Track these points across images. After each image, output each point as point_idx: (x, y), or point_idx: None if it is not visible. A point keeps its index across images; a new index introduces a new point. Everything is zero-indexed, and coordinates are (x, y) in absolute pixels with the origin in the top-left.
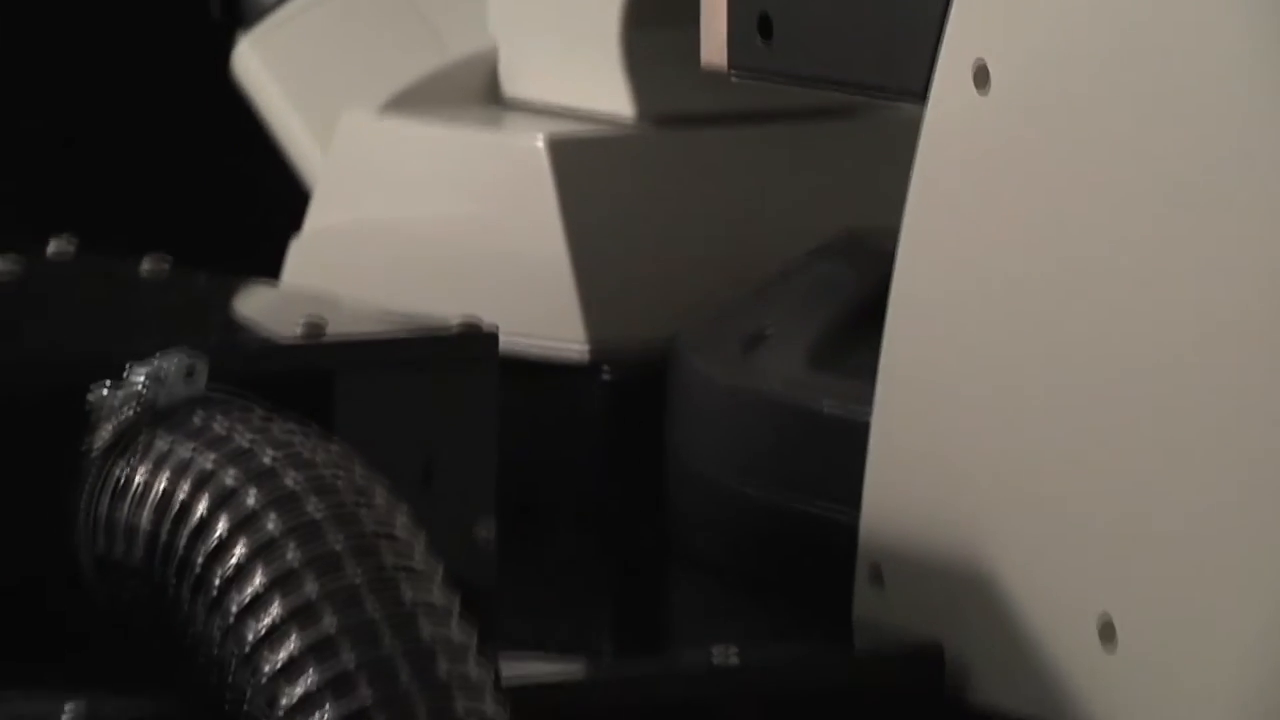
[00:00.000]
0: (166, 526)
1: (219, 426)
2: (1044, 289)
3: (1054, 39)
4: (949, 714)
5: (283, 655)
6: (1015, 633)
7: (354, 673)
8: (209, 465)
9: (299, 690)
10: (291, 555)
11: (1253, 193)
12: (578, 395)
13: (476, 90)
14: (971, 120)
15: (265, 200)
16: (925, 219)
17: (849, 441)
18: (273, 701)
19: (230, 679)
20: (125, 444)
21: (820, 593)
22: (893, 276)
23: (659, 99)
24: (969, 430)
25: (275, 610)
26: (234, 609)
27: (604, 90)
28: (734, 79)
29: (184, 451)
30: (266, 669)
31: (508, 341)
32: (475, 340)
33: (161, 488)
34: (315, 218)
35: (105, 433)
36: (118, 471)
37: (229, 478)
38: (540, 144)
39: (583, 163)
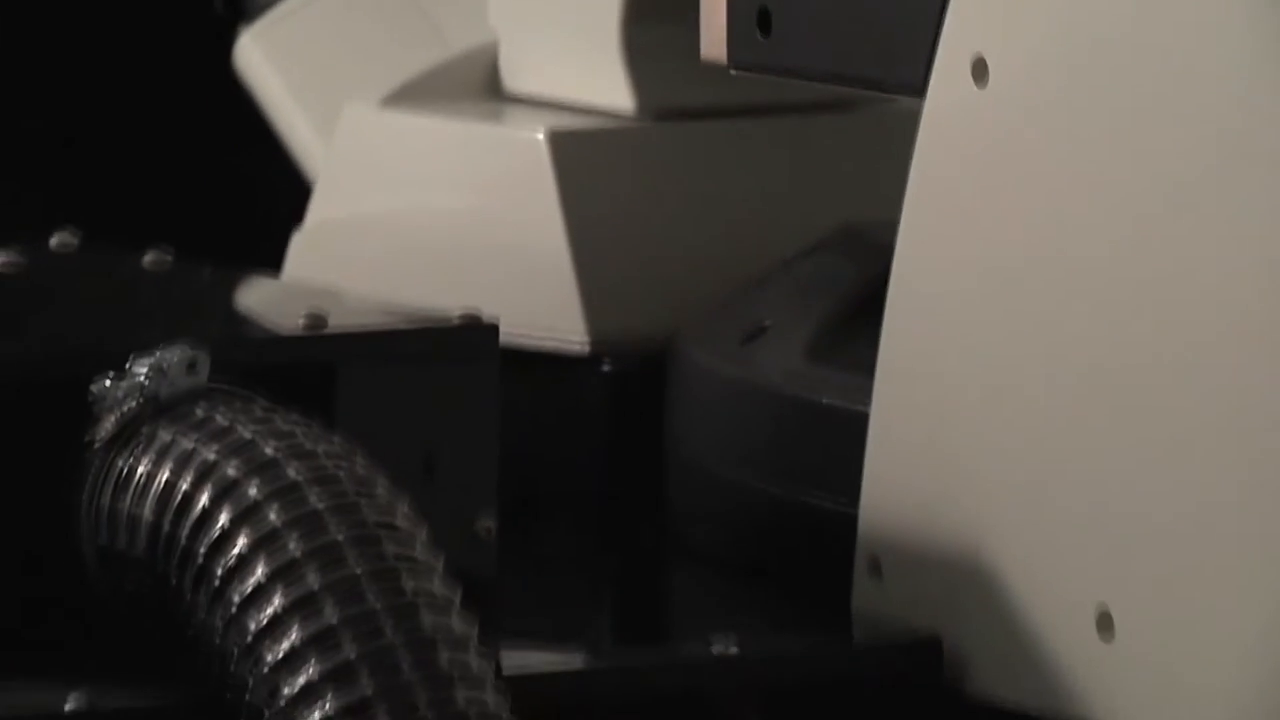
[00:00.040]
0: (169, 518)
1: (221, 419)
2: (1042, 282)
3: (1052, 33)
4: (947, 705)
5: (284, 646)
6: (1013, 624)
7: (355, 663)
8: (211, 457)
9: (301, 681)
10: (293, 546)
11: (1251, 186)
12: (578, 388)
13: (477, 84)
14: (970, 114)
15: (267, 194)
16: (924, 212)
17: (848, 434)
18: (274, 692)
19: (232, 670)
20: (128, 436)
21: (819, 584)
22: (892, 270)
23: (659, 93)
24: (967, 423)
25: (277, 601)
26: (236, 600)
27: (604, 84)
28: (733, 73)
29: (186, 443)
30: (268, 659)
31: (508, 334)
32: (476, 333)
33: (164, 479)
34: (317, 211)
35: (108, 425)
36: (120, 463)
37: (231, 469)
38: (541, 137)
39: (583, 156)
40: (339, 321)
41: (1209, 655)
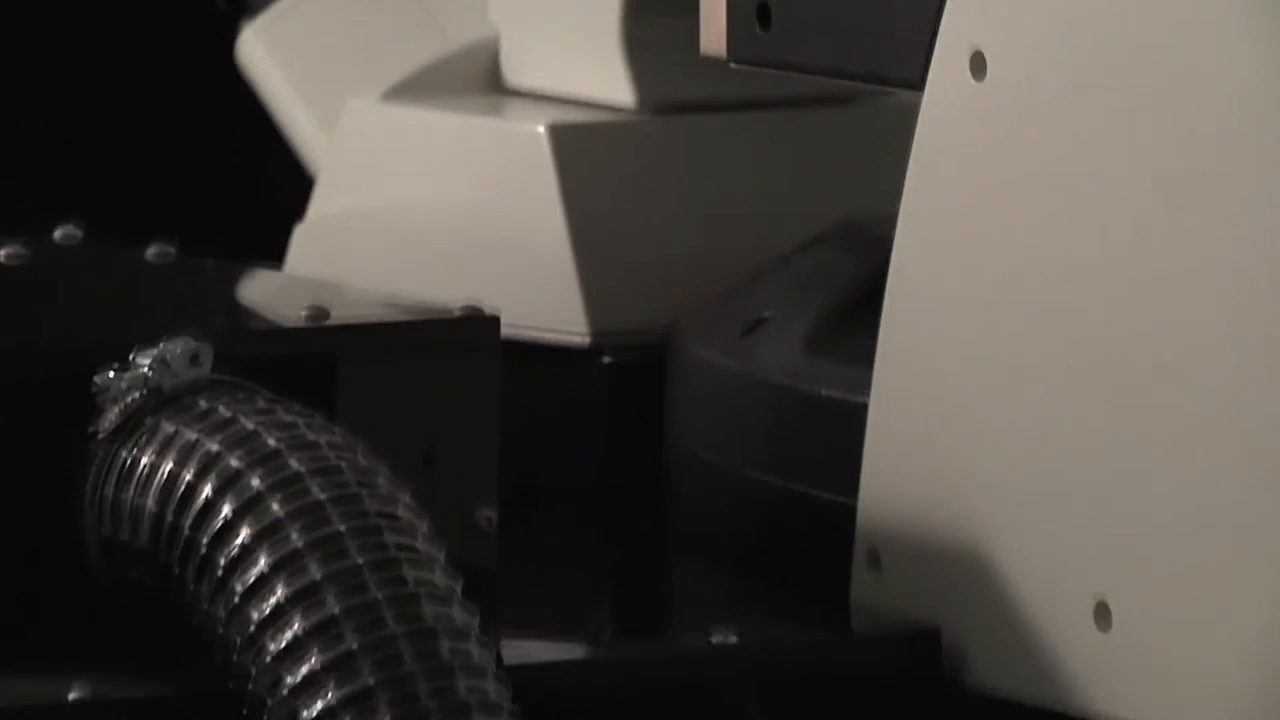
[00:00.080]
0: (172, 509)
1: (224, 411)
2: (1041, 275)
3: (1050, 28)
4: (946, 696)
5: (286, 636)
6: (1011, 615)
7: (357, 654)
8: (214, 449)
9: (303, 671)
10: (295, 537)
11: (1249, 180)
12: (579, 380)
13: (478, 78)
14: (968, 108)
15: (269, 187)
16: (922, 206)
17: (847, 426)
18: (277, 682)
19: (235, 660)
20: (131, 428)
21: (818, 576)
22: (890, 263)
23: (659, 87)
24: (966, 415)
25: (279, 592)
26: (238, 590)
27: (605, 78)
28: (733, 67)
29: (189, 435)
30: (270, 650)
31: (509, 327)
32: (477, 325)
33: (167, 471)
34: (319, 205)
35: (111, 417)
36: (124, 455)
37: (234, 461)
38: (541, 131)
39: (583, 149)
40: (341, 314)
41: (1206, 645)
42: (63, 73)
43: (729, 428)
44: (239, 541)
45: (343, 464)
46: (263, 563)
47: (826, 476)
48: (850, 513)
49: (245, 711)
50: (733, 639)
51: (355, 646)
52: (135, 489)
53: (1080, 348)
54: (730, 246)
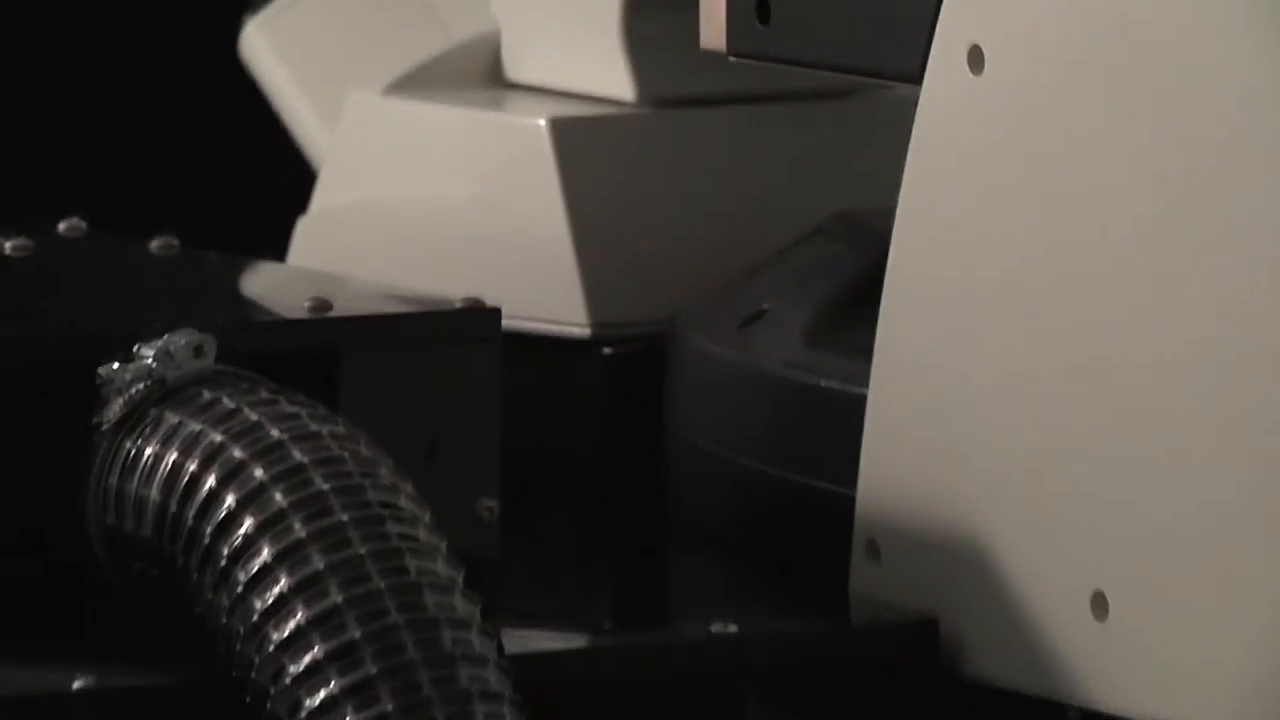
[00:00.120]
0: (176, 499)
1: (227, 402)
2: (1038, 268)
3: (1047, 23)
4: (944, 686)
5: (289, 626)
6: (1009, 606)
7: (359, 643)
8: (217, 440)
9: (305, 660)
10: (298, 528)
11: (1244, 175)
12: (579, 372)
13: (480, 72)
14: (966, 102)
15: (272, 181)
16: (921, 199)
17: (845, 417)
18: (279, 672)
19: (238, 649)
20: (135, 419)
21: (817, 566)
22: (889, 255)
23: (659, 81)
24: (963, 407)
25: (282, 582)
26: (241, 580)
27: (605, 72)
28: (733, 61)
29: (193, 426)
30: (273, 639)
31: (510, 319)
32: (479, 318)
33: (171, 461)
34: (321, 198)
35: (115, 408)
36: (128, 446)
37: (237, 452)
38: (542, 124)
39: (584, 143)
40: (343, 306)
41: (1202, 636)
42: (68, 67)
43: (728, 419)
44: (242, 532)
45: (345, 455)
46: (266, 553)
47: (825, 468)
48: (849, 504)
49: (248, 701)
50: (732, 629)
51: (357, 636)
52: (139, 479)
53: (1077, 340)
54: (730, 239)
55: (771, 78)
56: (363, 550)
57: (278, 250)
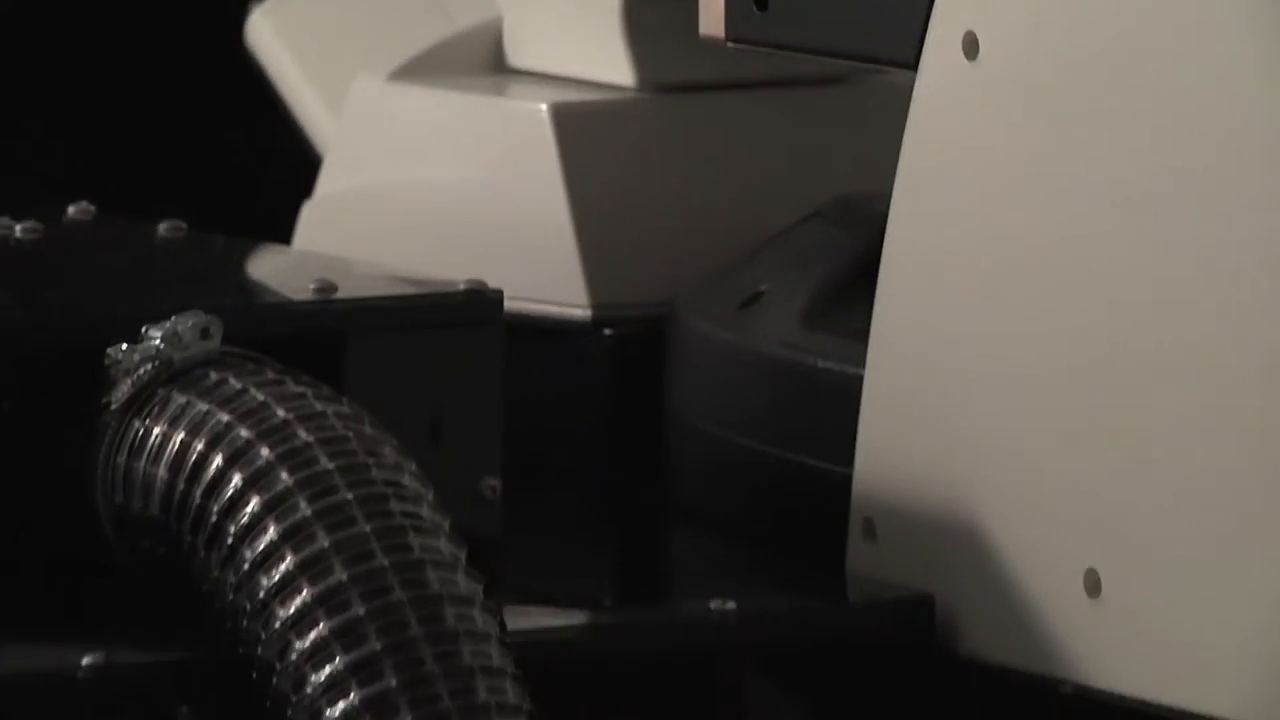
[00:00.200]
0: (182, 480)
1: (234, 383)
2: (1031, 251)
3: (1041, 10)
4: (939, 663)
5: (295, 605)
6: (1003, 584)
7: (364, 620)
8: (223, 422)
9: (311, 637)
10: (303, 507)
11: (1241, 161)
12: (580, 355)
13: (482, 59)
14: (961, 88)
15: (278, 166)
16: (916, 183)
17: (842, 398)
18: (285, 649)
19: (244, 627)
20: (142, 401)
21: (814, 545)
22: (885, 239)
23: (659, 67)
24: (959, 388)
25: (288, 560)
26: (248, 559)
27: (605, 59)
28: (731, 48)
29: (200, 406)
30: (279, 616)
31: (513, 303)
32: (481, 302)
33: (178, 441)
34: (326, 183)
35: (123, 390)
36: (135, 427)
37: (242, 435)
38: (544, 110)
39: (585, 129)
40: (348, 290)
41: (1193, 614)
42: (76, 54)
43: (727, 400)
44: (249, 510)
45: (350, 434)
46: (272, 531)
47: (822, 448)
48: (846, 483)
49: (254, 678)
50: (731, 606)
51: (361, 613)
52: (148, 458)
53: (1070, 321)
54: (728, 223)
55: (769, 64)
56: (367, 528)
57: (283, 234)
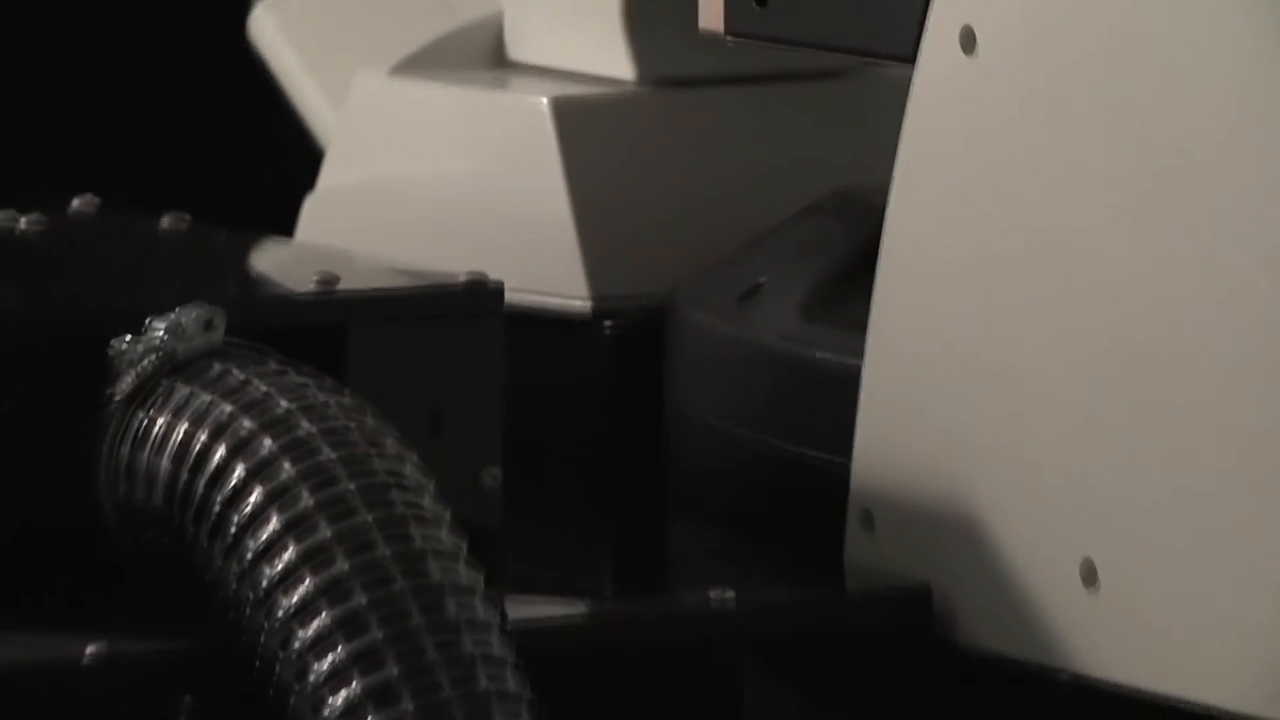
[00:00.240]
0: (185, 472)
1: (236, 376)
2: (1028, 244)
3: (1038, 5)
4: (936, 653)
5: (296, 597)
6: (1001, 575)
7: (365, 611)
8: (226, 414)
9: (313, 627)
10: (305, 498)
11: (1238, 154)
12: (581, 347)
13: (483, 53)
14: (958, 83)
15: (280, 160)
16: (914, 177)
17: (841, 390)
18: (288, 640)
19: (247, 618)
20: (146, 393)
21: (813, 536)
22: (883, 232)
23: (659, 61)
24: (956, 380)
25: (289, 554)
26: (249, 553)
27: (606, 53)
28: (731, 42)
29: (202, 401)
30: (281, 608)
31: (513, 296)
32: (482, 294)
33: (181, 433)
34: (328, 177)
35: (126, 382)
36: (138, 419)
37: (245, 426)
38: (545, 104)
39: (585, 123)
40: (350, 282)
41: (1189, 603)
42: (80, 48)
43: (726, 392)
44: (252, 501)
45: (352, 426)
46: (275, 522)
47: (821, 439)
48: (844, 475)
49: (257, 667)
50: (730, 596)
51: (364, 603)
52: (151, 449)
53: (1067, 313)
54: (728, 216)
55: (768, 58)
56: (369, 519)
57: (285, 227)
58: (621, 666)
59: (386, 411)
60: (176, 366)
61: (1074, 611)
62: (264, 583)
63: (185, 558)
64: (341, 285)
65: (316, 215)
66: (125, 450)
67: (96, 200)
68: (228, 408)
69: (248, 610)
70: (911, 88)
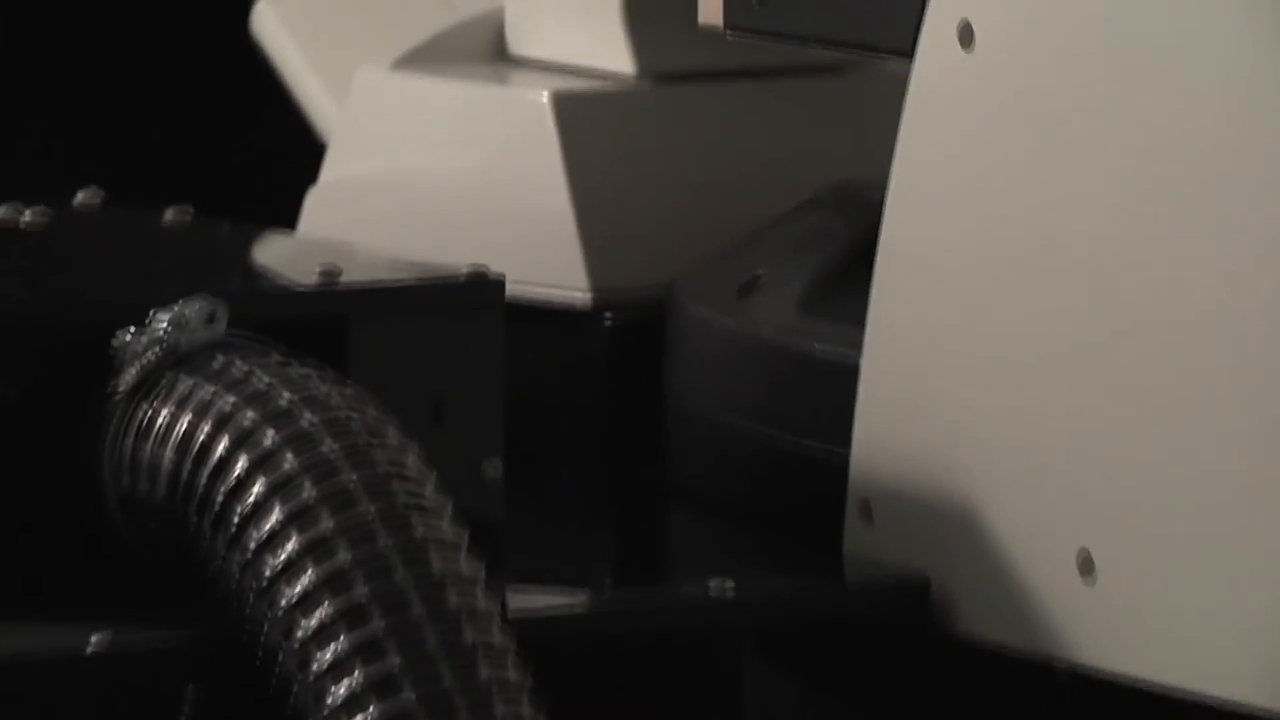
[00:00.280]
0: (188, 465)
1: (238, 369)
2: (1026, 237)
3: (1036, 1)
4: (934, 644)
5: (299, 588)
6: (999, 566)
7: (367, 603)
8: (229, 406)
9: (315, 619)
10: (307, 492)
11: (1236, 150)
12: (581, 340)
13: (484, 48)
14: (956, 77)
15: (283, 154)
16: (912, 171)
17: (839, 383)
18: (289, 631)
19: (249, 610)
20: (149, 386)
21: (812, 527)
22: (881, 225)
23: (658, 56)
24: (954, 372)
25: (291, 545)
26: (252, 544)
27: (606, 48)
28: (730, 38)
29: (205, 393)
30: (284, 599)
31: (514, 288)
32: (483, 287)
33: (183, 427)
34: (330, 170)
35: (130, 375)
36: (141, 412)
37: (248, 418)
38: (545, 99)
39: (585, 117)
40: (352, 276)
41: (1186, 593)
42: (84, 42)
43: (726, 385)
44: (253, 497)
45: (353, 421)
46: (277, 514)
47: (820, 431)
48: (843, 467)
49: (260, 657)
50: (730, 587)
51: (366, 594)
52: (154, 442)
53: (1065, 306)
54: (727, 210)
55: (767, 53)
56: (371, 510)
57: (288, 220)
58: (622, 656)
59: (388, 403)
60: (180, 359)
61: (1071, 602)
62: (267, 573)
63: (188, 549)
64: (343, 278)
65: (318, 208)
66: (129, 442)
67: (100, 194)
68: (231, 400)
69: (250, 601)
70: (910, 82)
